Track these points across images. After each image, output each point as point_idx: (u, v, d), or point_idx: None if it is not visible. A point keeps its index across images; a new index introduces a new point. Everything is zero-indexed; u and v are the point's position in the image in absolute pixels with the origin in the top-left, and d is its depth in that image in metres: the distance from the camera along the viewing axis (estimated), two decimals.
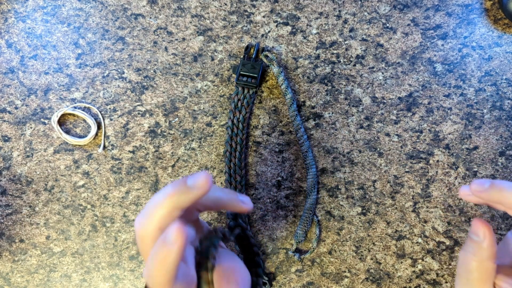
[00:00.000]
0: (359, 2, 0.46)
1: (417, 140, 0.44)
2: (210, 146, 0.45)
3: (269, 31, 0.46)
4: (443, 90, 0.45)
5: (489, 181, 0.29)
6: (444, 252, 0.43)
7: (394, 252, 0.44)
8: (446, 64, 0.45)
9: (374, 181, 0.44)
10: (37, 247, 0.45)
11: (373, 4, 0.46)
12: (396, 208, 0.44)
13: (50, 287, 0.45)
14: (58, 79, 0.46)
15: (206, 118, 0.45)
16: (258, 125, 0.45)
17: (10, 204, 0.45)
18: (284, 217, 0.45)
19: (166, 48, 0.46)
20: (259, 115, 0.46)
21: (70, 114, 0.45)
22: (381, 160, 0.44)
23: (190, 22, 0.46)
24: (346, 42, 0.45)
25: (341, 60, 0.45)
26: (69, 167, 0.45)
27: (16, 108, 0.46)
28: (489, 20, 0.45)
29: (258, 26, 0.46)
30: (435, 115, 0.45)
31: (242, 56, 0.45)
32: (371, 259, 0.44)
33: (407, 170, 0.44)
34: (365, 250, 0.44)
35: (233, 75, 0.46)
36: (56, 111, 0.45)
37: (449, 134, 0.44)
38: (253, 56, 0.45)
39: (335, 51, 0.46)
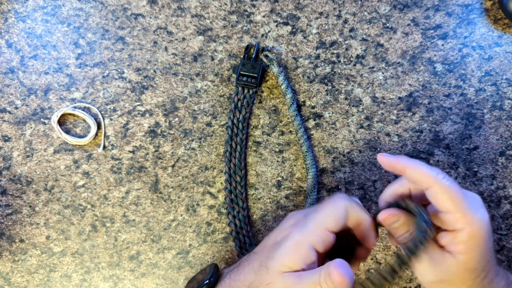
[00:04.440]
0: (359, 2, 0.46)
1: (417, 140, 0.44)
2: (210, 146, 0.45)
3: (269, 31, 0.46)
4: (443, 90, 0.45)
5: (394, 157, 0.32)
6: None
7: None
8: (446, 64, 0.45)
9: (374, 181, 0.44)
10: (37, 247, 0.45)
11: (373, 4, 0.46)
12: None
13: (50, 287, 0.45)
14: (58, 79, 0.46)
15: (206, 118, 0.45)
16: (258, 125, 0.45)
17: (10, 204, 0.45)
18: (284, 217, 0.45)
19: (166, 48, 0.46)
20: (259, 115, 0.46)
21: (70, 114, 0.45)
22: None
23: (190, 22, 0.46)
24: (346, 42, 0.45)
25: (341, 60, 0.45)
26: (69, 167, 0.45)
27: (16, 108, 0.46)
28: (489, 20, 0.45)
29: (258, 26, 0.46)
30: (435, 115, 0.45)
31: (242, 56, 0.45)
32: (371, 259, 0.44)
33: None
34: None
35: (233, 75, 0.46)
36: (56, 111, 0.45)
37: (449, 134, 0.44)
38: (253, 56, 0.45)
39: (335, 51, 0.45)
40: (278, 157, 0.45)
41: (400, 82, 0.45)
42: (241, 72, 0.44)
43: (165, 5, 0.46)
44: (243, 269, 0.34)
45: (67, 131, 0.45)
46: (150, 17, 0.46)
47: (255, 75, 0.44)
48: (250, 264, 0.33)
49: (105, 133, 0.45)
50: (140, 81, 0.46)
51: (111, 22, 0.46)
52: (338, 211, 0.31)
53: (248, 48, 0.45)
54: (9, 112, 0.46)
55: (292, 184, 0.45)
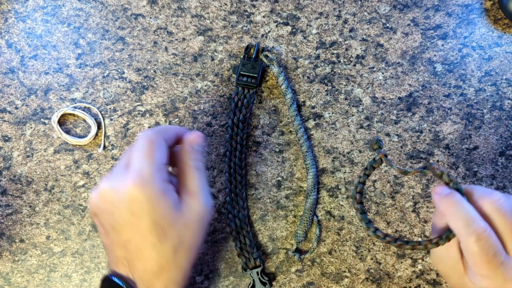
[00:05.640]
0: (359, 2, 0.46)
1: (417, 140, 0.44)
2: (210, 146, 0.45)
3: (269, 31, 0.46)
4: (443, 90, 0.45)
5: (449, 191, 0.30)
6: None
7: (394, 252, 0.44)
8: (446, 64, 0.45)
9: (374, 181, 0.44)
10: (37, 247, 0.45)
11: (373, 4, 0.46)
12: (396, 208, 0.44)
13: (50, 287, 0.45)
14: (58, 79, 0.46)
15: (206, 118, 0.45)
16: (258, 125, 0.45)
17: (10, 204, 0.45)
18: (284, 217, 0.45)
19: (166, 48, 0.46)
20: (259, 115, 0.46)
21: (70, 114, 0.45)
22: None
23: (190, 22, 0.46)
24: (346, 42, 0.45)
25: (341, 60, 0.45)
26: (69, 167, 0.45)
27: (16, 108, 0.46)
28: (489, 20, 0.45)
29: (258, 26, 0.46)
30: (435, 115, 0.45)
31: (242, 56, 0.45)
32: (371, 259, 0.44)
33: None
34: (365, 250, 0.44)
35: (233, 75, 0.46)
36: (56, 111, 0.45)
37: (449, 134, 0.44)
38: (253, 56, 0.45)
39: (335, 51, 0.45)
40: (278, 157, 0.45)
41: (400, 82, 0.45)
42: (241, 72, 0.44)
43: (165, 5, 0.46)
44: None
45: (67, 131, 0.45)
46: (150, 17, 0.46)
47: (255, 75, 0.44)
48: None
49: (105, 133, 0.45)
50: (140, 81, 0.46)
51: (111, 22, 0.46)
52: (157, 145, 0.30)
53: (248, 48, 0.45)
54: (9, 112, 0.46)
55: (292, 184, 0.45)
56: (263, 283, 0.43)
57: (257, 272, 0.43)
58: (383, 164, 0.34)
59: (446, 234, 0.30)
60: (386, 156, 0.32)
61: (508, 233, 0.27)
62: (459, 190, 0.29)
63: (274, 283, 0.44)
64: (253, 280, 0.43)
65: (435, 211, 0.31)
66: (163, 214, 0.28)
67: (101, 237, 0.32)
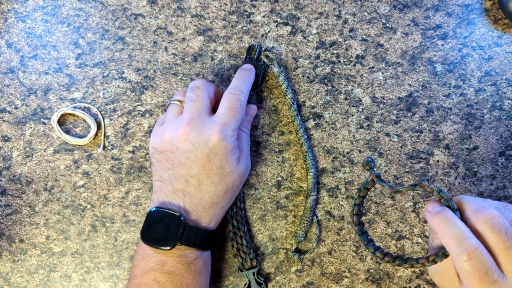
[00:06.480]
0: (359, 2, 0.46)
1: (417, 140, 0.44)
2: None
3: (269, 31, 0.46)
4: (443, 90, 0.45)
5: (440, 207, 0.30)
6: None
7: (394, 252, 0.44)
8: (446, 64, 0.45)
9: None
10: (37, 247, 0.45)
11: (373, 4, 0.46)
12: (396, 208, 0.44)
13: (50, 287, 0.45)
14: (58, 79, 0.46)
15: None
16: (258, 125, 0.45)
17: (10, 204, 0.45)
18: (284, 217, 0.45)
19: (166, 48, 0.46)
20: (259, 115, 0.46)
21: (70, 114, 0.45)
22: (381, 160, 0.44)
23: (190, 22, 0.46)
24: (346, 42, 0.45)
25: (341, 60, 0.45)
26: (69, 167, 0.45)
27: (16, 108, 0.46)
28: (489, 20, 0.45)
29: (258, 26, 0.46)
30: (435, 115, 0.45)
31: (243, 57, 0.45)
32: (371, 259, 0.44)
33: (407, 170, 0.44)
34: (365, 250, 0.44)
35: (233, 75, 0.46)
36: (56, 111, 0.45)
37: (449, 134, 0.44)
38: (255, 57, 0.45)
39: (335, 51, 0.45)
40: (278, 157, 0.45)
41: (400, 82, 0.45)
42: None
43: (165, 5, 0.46)
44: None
45: (67, 131, 0.45)
46: (150, 17, 0.46)
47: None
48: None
49: (105, 133, 0.45)
50: (140, 81, 0.46)
51: (111, 22, 0.46)
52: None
53: (250, 49, 0.45)
54: (9, 112, 0.46)
55: (292, 184, 0.45)
56: (259, 284, 0.43)
57: (253, 273, 0.43)
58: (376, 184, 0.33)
59: (442, 252, 0.29)
60: (378, 176, 0.32)
61: (501, 251, 0.27)
62: (450, 206, 0.29)
63: (274, 283, 0.44)
64: (249, 280, 0.43)
65: (431, 229, 0.31)
66: (229, 162, 0.37)
67: (160, 172, 0.38)
